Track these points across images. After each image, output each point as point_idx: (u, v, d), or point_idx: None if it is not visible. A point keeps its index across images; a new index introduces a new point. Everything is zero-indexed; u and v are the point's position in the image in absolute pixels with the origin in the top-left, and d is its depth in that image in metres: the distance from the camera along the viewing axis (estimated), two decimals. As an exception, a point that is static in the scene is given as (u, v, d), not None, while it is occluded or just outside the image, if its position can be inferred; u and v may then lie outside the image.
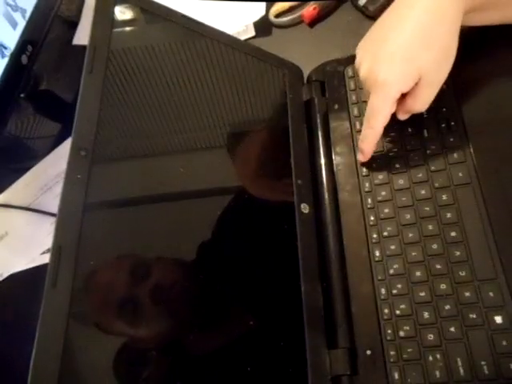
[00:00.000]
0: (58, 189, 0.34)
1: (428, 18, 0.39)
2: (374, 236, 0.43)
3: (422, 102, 0.41)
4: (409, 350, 0.38)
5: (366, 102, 0.43)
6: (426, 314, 0.38)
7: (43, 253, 0.56)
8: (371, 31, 0.43)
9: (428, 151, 0.44)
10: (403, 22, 0.40)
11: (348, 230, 0.44)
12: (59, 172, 0.60)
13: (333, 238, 0.44)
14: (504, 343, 0.36)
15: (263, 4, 0.61)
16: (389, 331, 0.39)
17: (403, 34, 0.40)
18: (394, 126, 0.43)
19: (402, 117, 0.42)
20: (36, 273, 0.55)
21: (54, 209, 0.35)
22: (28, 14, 0.59)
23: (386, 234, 0.43)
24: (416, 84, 0.40)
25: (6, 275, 0.56)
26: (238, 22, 0.60)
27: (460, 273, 0.39)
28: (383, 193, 0.44)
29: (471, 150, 0.43)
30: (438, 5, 0.39)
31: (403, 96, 0.41)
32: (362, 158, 0.45)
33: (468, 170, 0.42)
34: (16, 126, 0.65)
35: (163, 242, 0.40)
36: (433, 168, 0.44)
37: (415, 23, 0.39)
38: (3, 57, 0.56)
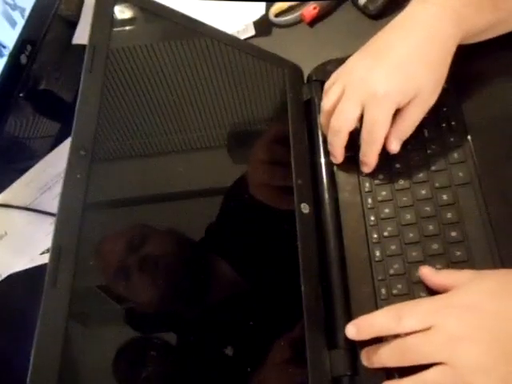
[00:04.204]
0: (58, 188, 0.34)
1: (431, 40, 0.40)
2: (374, 236, 0.43)
3: (410, 122, 0.42)
4: (409, 351, 0.38)
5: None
6: (426, 314, 0.38)
7: (43, 253, 0.56)
8: (368, 45, 0.44)
9: (428, 151, 0.44)
10: (405, 39, 0.41)
11: (348, 230, 0.44)
12: (59, 172, 0.60)
13: (333, 238, 0.44)
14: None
15: (263, 3, 0.60)
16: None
17: (405, 49, 0.41)
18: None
19: (394, 146, 0.43)
20: (35, 273, 0.55)
21: (54, 209, 0.35)
22: (27, 13, 0.58)
23: (386, 233, 0.42)
24: (408, 103, 0.40)
25: (5, 275, 0.56)
26: (238, 22, 0.59)
27: (460, 273, 0.39)
28: (383, 193, 0.44)
29: (472, 150, 0.43)
30: (442, 32, 0.40)
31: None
32: (367, 169, 0.45)
33: (468, 170, 0.42)
34: (15, 125, 0.65)
35: (163, 241, 0.40)
36: (433, 168, 0.43)
37: (418, 42, 0.40)
38: (2, 56, 0.56)
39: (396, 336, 0.36)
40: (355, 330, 0.37)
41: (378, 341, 0.37)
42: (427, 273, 0.39)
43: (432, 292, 0.38)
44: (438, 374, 0.33)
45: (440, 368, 0.33)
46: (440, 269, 0.39)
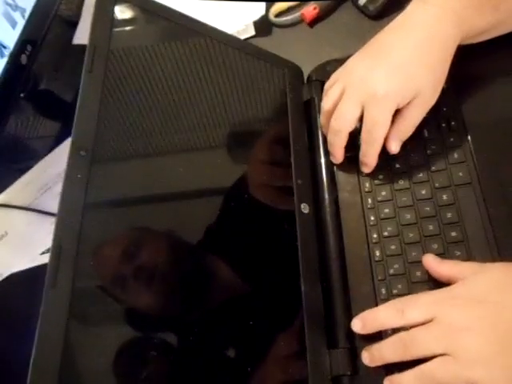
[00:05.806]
0: (58, 188, 0.34)
1: (431, 40, 0.40)
2: (374, 236, 0.43)
3: (410, 123, 0.42)
4: (409, 350, 0.38)
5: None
6: (426, 314, 0.38)
7: (43, 253, 0.56)
8: (368, 45, 0.44)
9: (428, 151, 0.44)
10: (405, 39, 0.41)
11: (348, 230, 0.44)
12: (59, 172, 0.60)
13: (333, 238, 0.44)
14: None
15: (263, 3, 0.60)
16: (389, 331, 0.39)
17: (405, 50, 0.41)
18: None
19: (395, 147, 0.43)
20: (36, 273, 0.55)
21: (54, 209, 0.35)
22: (27, 14, 0.58)
23: (386, 233, 0.43)
24: (408, 103, 0.40)
25: (5, 275, 0.56)
26: (238, 22, 0.60)
27: (460, 273, 0.39)
28: (383, 193, 0.44)
29: (471, 150, 0.43)
30: (442, 33, 0.40)
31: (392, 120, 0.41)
32: (367, 169, 0.45)
33: (468, 170, 0.42)
34: (16, 125, 0.65)
35: (163, 241, 0.40)
36: (433, 168, 0.44)
37: (418, 42, 0.41)
38: (2, 56, 0.56)
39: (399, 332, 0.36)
40: (361, 323, 0.38)
41: (379, 340, 0.37)
42: (431, 262, 0.38)
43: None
44: (439, 364, 0.32)
45: (441, 358, 0.32)
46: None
